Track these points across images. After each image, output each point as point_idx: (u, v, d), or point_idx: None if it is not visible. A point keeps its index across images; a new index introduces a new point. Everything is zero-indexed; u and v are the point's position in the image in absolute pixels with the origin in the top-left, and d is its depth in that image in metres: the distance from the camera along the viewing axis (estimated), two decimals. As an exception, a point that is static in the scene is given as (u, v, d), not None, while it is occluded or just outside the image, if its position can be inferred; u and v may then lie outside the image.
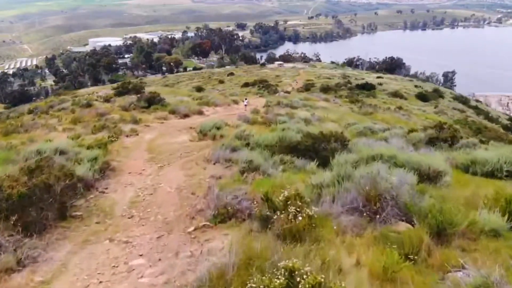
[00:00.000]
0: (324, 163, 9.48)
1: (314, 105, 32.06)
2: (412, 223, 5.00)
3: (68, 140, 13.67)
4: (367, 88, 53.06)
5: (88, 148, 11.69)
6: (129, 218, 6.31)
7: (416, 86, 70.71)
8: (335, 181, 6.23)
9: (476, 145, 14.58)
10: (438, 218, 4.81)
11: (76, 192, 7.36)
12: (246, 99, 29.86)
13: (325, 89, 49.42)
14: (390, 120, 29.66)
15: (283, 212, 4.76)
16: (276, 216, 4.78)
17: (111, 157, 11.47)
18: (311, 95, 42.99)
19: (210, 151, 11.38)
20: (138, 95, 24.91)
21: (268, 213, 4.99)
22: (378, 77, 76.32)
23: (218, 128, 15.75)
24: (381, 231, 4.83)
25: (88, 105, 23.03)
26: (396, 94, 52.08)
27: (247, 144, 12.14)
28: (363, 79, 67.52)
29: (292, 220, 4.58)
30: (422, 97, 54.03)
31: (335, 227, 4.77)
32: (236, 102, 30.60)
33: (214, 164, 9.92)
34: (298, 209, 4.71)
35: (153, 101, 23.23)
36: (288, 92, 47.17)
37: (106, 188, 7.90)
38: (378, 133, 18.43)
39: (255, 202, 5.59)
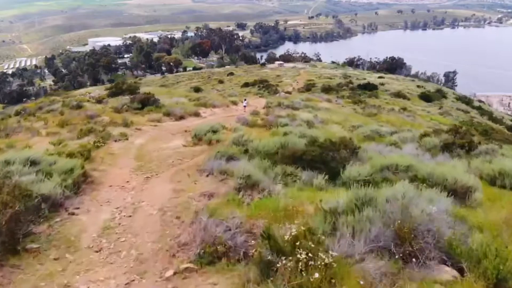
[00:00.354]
0: (334, 175, 8.29)
1: (316, 106, 30.83)
2: (464, 272, 3.76)
3: (48, 146, 12.47)
4: (369, 88, 51.77)
5: (68, 156, 10.50)
6: (96, 251, 5.07)
7: (418, 86, 69.44)
8: (353, 205, 5.01)
9: (495, 152, 13.39)
10: (498, 266, 3.58)
11: (39, 215, 6.15)
12: (245, 99, 28.56)
13: (327, 89, 48.16)
14: (396, 122, 28.43)
15: (290, 258, 3.54)
16: (280, 263, 3.56)
17: (94, 166, 10.29)
18: (312, 95, 41.75)
19: (204, 159, 10.22)
20: (132, 96, 23.70)
21: (270, 257, 3.77)
22: (379, 77, 75.05)
23: (214, 132, 14.63)
24: (421, 284, 3.60)
25: (79, 106, 21.80)
26: (399, 95, 50.79)
27: (246, 151, 10.96)
28: (364, 79, 66.23)
29: (303, 271, 3.36)
30: (426, 97, 52.73)
31: (361, 282, 3.53)
32: (235, 103, 29.34)
33: (207, 175, 8.71)
34: (310, 254, 3.49)
35: (147, 102, 22.03)
36: (289, 93, 45.88)
37: (78, 208, 6.65)
38: (386, 137, 17.32)
39: (253, 237, 4.37)
